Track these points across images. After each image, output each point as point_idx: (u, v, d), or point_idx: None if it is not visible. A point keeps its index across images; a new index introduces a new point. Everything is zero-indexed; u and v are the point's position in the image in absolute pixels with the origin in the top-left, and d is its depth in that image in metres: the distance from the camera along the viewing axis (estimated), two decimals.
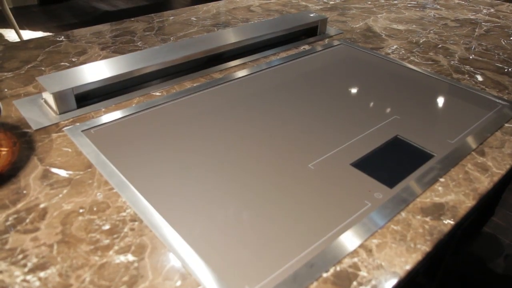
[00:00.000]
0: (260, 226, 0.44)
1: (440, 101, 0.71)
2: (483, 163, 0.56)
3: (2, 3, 2.61)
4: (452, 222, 0.46)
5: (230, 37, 0.84)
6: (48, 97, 0.63)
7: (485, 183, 0.52)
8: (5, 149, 0.55)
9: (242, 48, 0.86)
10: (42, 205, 0.46)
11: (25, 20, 3.34)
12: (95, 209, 0.45)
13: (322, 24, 0.97)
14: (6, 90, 0.69)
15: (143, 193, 0.48)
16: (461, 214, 0.47)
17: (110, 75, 0.66)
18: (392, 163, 0.55)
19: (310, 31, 0.97)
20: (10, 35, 2.98)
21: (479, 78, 0.80)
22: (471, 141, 0.60)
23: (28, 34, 3.04)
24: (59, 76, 0.64)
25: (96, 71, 0.67)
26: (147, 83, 0.73)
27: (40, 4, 3.77)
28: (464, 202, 0.49)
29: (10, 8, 2.72)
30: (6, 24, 2.91)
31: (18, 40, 2.83)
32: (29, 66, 0.78)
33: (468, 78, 0.80)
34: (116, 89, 0.70)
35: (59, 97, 0.61)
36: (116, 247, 0.41)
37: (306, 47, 0.91)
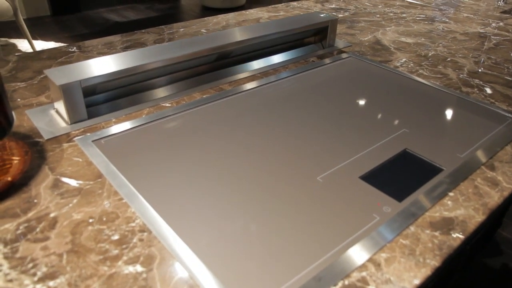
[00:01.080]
0: (268, 239, 0.44)
1: (449, 114, 0.71)
2: (493, 178, 0.56)
3: (16, 14, 2.66)
4: (461, 237, 0.46)
5: (240, 34, 0.83)
6: (60, 106, 0.64)
7: (495, 197, 0.52)
8: (17, 158, 0.56)
9: (252, 46, 0.85)
10: (52, 214, 0.46)
11: (37, 30, 3.40)
12: (104, 219, 0.46)
13: (333, 24, 0.96)
14: (19, 99, 0.71)
15: (152, 204, 0.48)
16: (471, 229, 0.47)
17: (118, 69, 0.66)
18: (400, 176, 0.55)
19: (321, 31, 0.96)
20: (23, 45, 3.03)
21: (488, 91, 0.80)
22: (480, 155, 0.60)
23: (40, 44, 3.09)
24: (67, 69, 0.65)
25: (103, 65, 0.67)
26: (155, 80, 0.73)
27: (53, 15, 3.84)
28: (474, 217, 0.49)
29: (23, 19, 2.77)
30: (20, 34, 2.97)
31: (31, 50, 2.88)
32: (41, 76, 0.79)
33: (477, 91, 0.80)
34: (124, 85, 0.70)
35: (70, 106, 0.62)
36: (125, 258, 0.41)
37: (315, 59, 0.92)
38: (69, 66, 0.66)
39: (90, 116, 0.65)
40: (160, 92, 0.73)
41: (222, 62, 0.83)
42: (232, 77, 0.81)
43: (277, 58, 0.90)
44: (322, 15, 0.97)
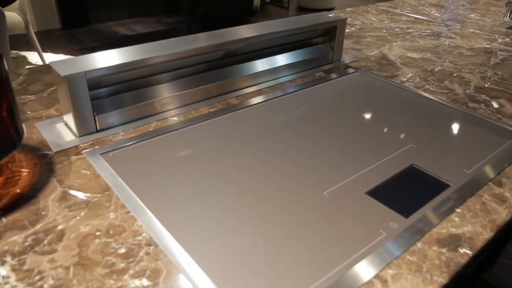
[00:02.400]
0: (274, 254, 0.44)
1: (456, 130, 0.71)
2: (501, 194, 0.55)
3: (28, 27, 2.71)
4: (469, 254, 0.45)
5: (247, 32, 0.82)
6: (69, 119, 0.65)
7: (503, 214, 0.52)
8: (26, 170, 0.57)
9: (260, 44, 0.85)
10: (60, 227, 0.47)
11: (48, 43, 3.46)
12: (111, 232, 0.46)
13: (341, 24, 0.95)
14: (29, 112, 0.72)
15: (159, 217, 0.48)
16: (479, 246, 0.46)
17: (123, 61, 0.65)
18: (407, 192, 0.55)
19: (330, 32, 0.96)
20: (33, 57, 3.08)
21: (495, 107, 0.80)
22: (488, 171, 0.60)
23: (50, 57, 3.14)
24: (71, 61, 0.64)
25: (109, 57, 0.66)
26: (160, 76, 0.73)
27: (63, 28, 3.90)
28: (482, 233, 0.48)
29: (34, 32, 2.82)
30: (30, 47, 3.02)
31: (41, 62, 2.93)
32: (51, 89, 0.80)
33: (484, 107, 0.80)
34: (129, 79, 0.70)
35: (78, 119, 0.63)
36: (131, 271, 0.41)
37: (322, 74, 0.92)
38: (73, 58, 0.65)
39: (95, 109, 0.65)
40: (165, 89, 0.73)
41: (228, 60, 0.83)
42: (239, 91, 0.82)
43: (286, 58, 0.89)
44: (330, 15, 0.96)
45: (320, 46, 0.97)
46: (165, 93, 0.73)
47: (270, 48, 0.90)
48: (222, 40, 0.77)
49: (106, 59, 0.65)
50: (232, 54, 0.83)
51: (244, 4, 4.51)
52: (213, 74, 0.80)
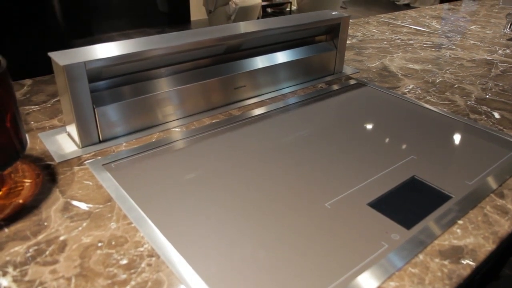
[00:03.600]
0: (276, 266, 0.44)
1: (458, 141, 0.71)
2: (503, 206, 0.55)
3: None
4: (471, 266, 0.45)
5: (250, 27, 0.82)
6: (72, 130, 0.65)
7: (505, 226, 0.52)
8: (29, 180, 0.57)
9: (262, 39, 0.84)
10: (62, 238, 0.47)
11: None
12: (113, 243, 0.46)
13: (344, 22, 0.94)
14: (32, 122, 0.72)
15: (161, 229, 0.48)
16: (481, 258, 0.46)
17: (123, 53, 0.64)
18: (409, 203, 0.54)
19: (333, 29, 0.95)
20: None
21: (497, 118, 0.80)
22: (489, 183, 0.60)
23: None
24: (71, 52, 0.63)
25: (109, 49, 0.65)
26: (160, 70, 0.72)
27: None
28: (484, 245, 0.48)
29: None
30: None
31: None
32: (55, 99, 0.81)
33: (485, 118, 0.80)
34: (129, 72, 0.69)
35: (82, 129, 0.63)
36: (133, 283, 0.41)
37: (323, 85, 0.93)
38: (74, 49, 0.64)
39: (95, 101, 0.63)
40: (166, 84, 0.72)
41: (230, 55, 0.82)
42: (241, 102, 0.82)
43: (290, 55, 0.89)
44: (333, 13, 0.95)
45: (323, 44, 0.96)
46: (166, 87, 0.71)
47: (273, 45, 0.89)
48: (224, 33, 0.76)
49: (107, 50, 0.64)
50: (234, 49, 0.82)
51: None
52: (215, 69, 0.79)
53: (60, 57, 0.61)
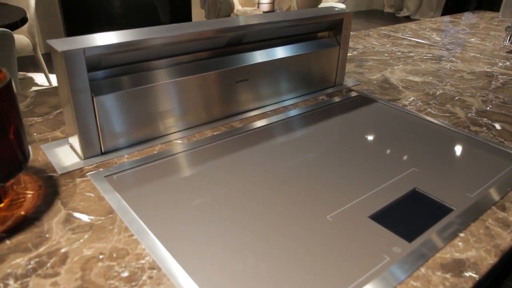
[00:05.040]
0: (277, 279, 0.44)
1: (458, 153, 0.71)
2: (504, 219, 0.55)
3: (35, 49, 2.76)
4: (474, 280, 0.45)
5: (252, 19, 0.81)
6: (74, 141, 0.65)
7: (507, 239, 0.51)
8: (31, 192, 0.57)
9: (264, 33, 0.84)
10: (63, 250, 0.47)
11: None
12: (114, 255, 0.46)
13: (347, 18, 0.94)
14: (35, 134, 0.73)
15: (162, 241, 0.48)
16: (483, 272, 0.46)
17: (122, 41, 0.63)
18: (410, 216, 0.54)
19: (336, 26, 0.95)
20: (40, 78, 3.12)
21: (497, 130, 0.80)
22: (491, 195, 0.60)
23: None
24: (70, 40, 0.62)
25: (109, 37, 0.64)
26: (160, 61, 0.71)
27: None
28: (486, 258, 0.48)
29: (41, 54, 2.87)
30: (37, 68, 3.07)
31: (47, 83, 2.97)
32: (57, 111, 0.82)
33: (486, 130, 0.80)
34: (128, 62, 0.68)
35: (84, 141, 0.64)
36: None
37: (324, 97, 0.93)
38: (73, 38, 0.63)
39: (94, 90, 0.62)
40: (165, 74, 0.71)
41: (231, 49, 0.81)
42: (242, 114, 0.82)
43: (292, 50, 0.88)
44: (336, 9, 0.95)
45: (326, 40, 0.96)
46: (166, 79, 0.70)
47: (275, 39, 0.88)
48: (225, 25, 0.75)
49: (106, 38, 0.63)
50: (235, 43, 0.81)
51: None
52: (216, 61, 0.78)
53: (59, 44, 0.60)
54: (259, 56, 0.83)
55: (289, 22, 0.85)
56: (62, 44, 0.60)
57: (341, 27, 0.95)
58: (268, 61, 0.83)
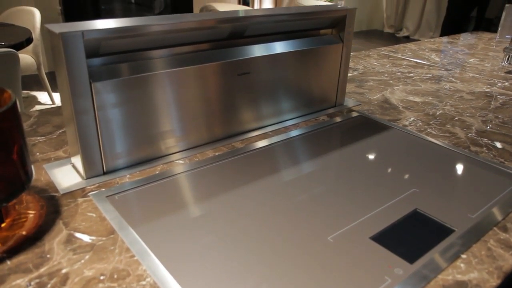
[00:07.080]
0: None
1: (459, 174, 0.71)
2: (506, 240, 0.55)
3: (39, 68, 2.80)
4: None
5: (255, 12, 0.81)
6: (77, 161, 0.66)
7: (509, 260, 0.51)
8: (33, 212, 0.57)
9: (266, 27, 0.83)
10: (64, 270, 0.47)
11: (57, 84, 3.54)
12: (115, 276, 0.46)
13: (350, 15, 0.94)
14: (38, 154, 0.73)
15: (163, 262, 0.48)
16: None
17: (121, 25, 0.63)
18: (411, 237, 0.54)
19: (339, 23, 0.95)
20: (43, 97, 3.15)
21: (497, 151, 0.81)
22: (492, 216, 0.60)
23: (59, 97, 3.21)
24: (69, 24, 0.61)
25: (108, 23, 0.63)
26: (160, 51, 0.71)
27: None
28: (488, 280, 0.48)
29: (45, 73, 2.91)
30: (41, 87, 3.09)
31: (50, 102, 2.99)
32: (60, 131, 0.82)
33: (486, 150, 0.81)
34: (128, 49, 0.67)
35: (86, 160, 0.64)
36: None
37: (325, 118, 0.94)
38: (72, 23, 0.61)
39: (91, 76, 0.62)
40: (164, 64, 0.70)
41: (234, 41, 0.81)
42: (244, 134, 0.83)
43: (294, 45, 0.88)
44: (339, 6, 0.95)
45: (329, 37, 0.96)
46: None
47: (277, 34, 0.88)
48: (226, 16, 0.74)
49: (106, 23, 0.63)
50: (237, 35, 0.80)
51: None
52: (217, 53, 0.77)
53: (57, 27, 0.59)
54: (261, 50, 0.83)
55: (291, 16, 0.84)
56: (60, 28, 0.58)
57: (344, 24, 0.95)
58: (270, 55, 0.83)
